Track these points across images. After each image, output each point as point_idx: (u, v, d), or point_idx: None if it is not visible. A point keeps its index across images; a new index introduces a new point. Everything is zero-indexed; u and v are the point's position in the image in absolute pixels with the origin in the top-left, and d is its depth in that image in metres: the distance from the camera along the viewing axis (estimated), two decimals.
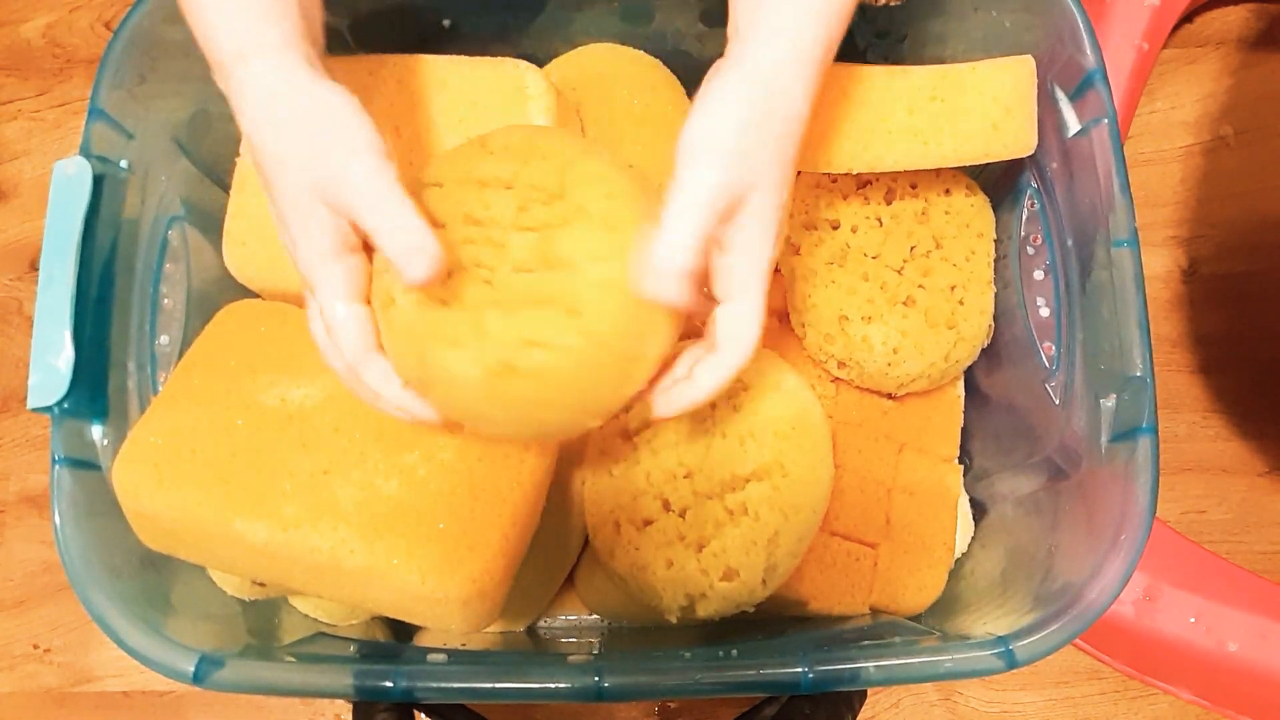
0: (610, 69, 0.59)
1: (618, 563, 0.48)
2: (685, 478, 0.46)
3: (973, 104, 0.47)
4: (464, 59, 0.50)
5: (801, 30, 0.37)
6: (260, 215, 0.49)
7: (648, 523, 0.47)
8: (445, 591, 0.39)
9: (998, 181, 0.54)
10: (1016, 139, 0.48)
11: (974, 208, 0.53)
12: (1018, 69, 0.48)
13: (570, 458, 0.50)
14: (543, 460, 0.44)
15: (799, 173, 0.55)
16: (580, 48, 0.59)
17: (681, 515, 0.46)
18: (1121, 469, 0.41)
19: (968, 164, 0.48)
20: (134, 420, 0.43)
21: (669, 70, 0.60)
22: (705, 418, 0.46)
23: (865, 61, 0.55)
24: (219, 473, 0.41)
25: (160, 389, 0.47)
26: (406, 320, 0.36)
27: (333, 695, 0.41)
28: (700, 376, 0.38)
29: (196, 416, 0.42)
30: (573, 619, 0.55)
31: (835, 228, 0.53)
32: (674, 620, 0.47)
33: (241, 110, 0.36)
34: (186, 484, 0.40)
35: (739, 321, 0.37)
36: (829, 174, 0.54)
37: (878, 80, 0.47)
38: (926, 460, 0.54)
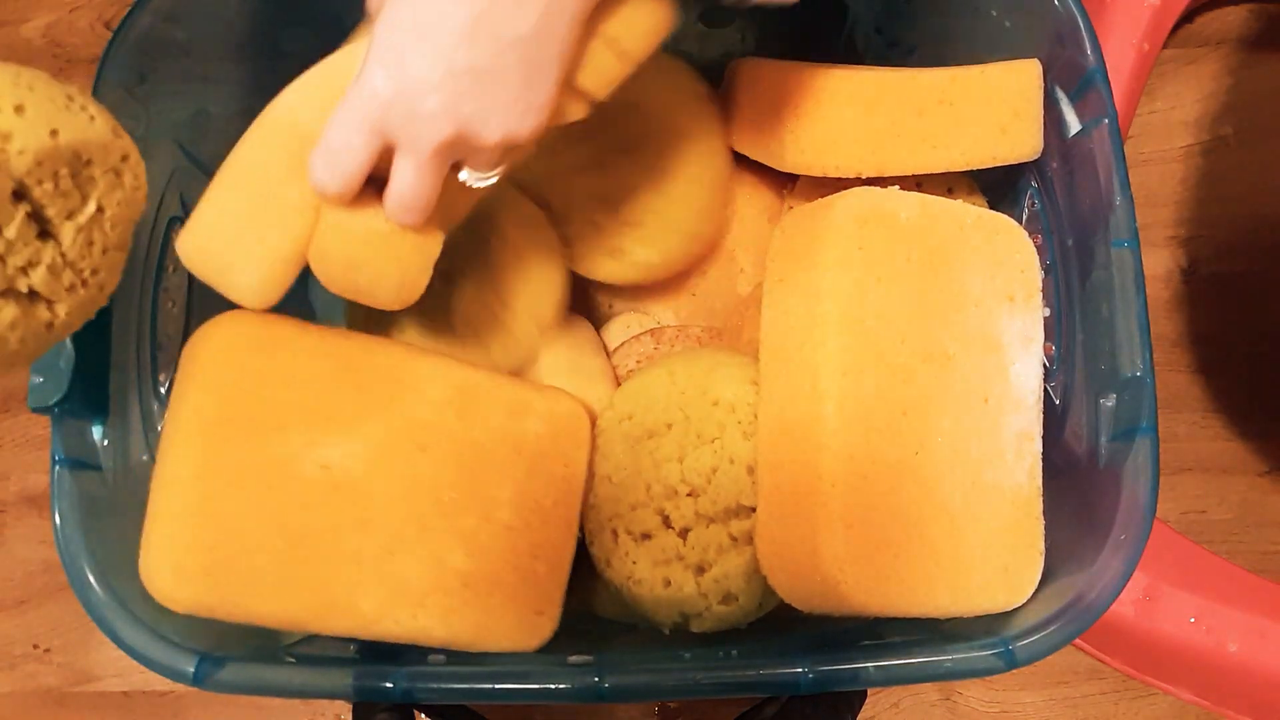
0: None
1: (614, 572, 0.47)
2: (688, 496, 0.46)
3: (981, 108, 0.47)
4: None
5: None
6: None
7: (646, 536, 0.46)
8: (520, 649, 0.43)
9: (998, 182, 0.54)
10: (1023, 143, 0.48)
11: None
12: (1025, 73, 0.48)
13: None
14: (578, 498, 0.47)
15: (799, 176, 0.56)
16: None
17: (682, 536, 0.46)
18: (1121, 469, 0.41)
19: (974, 168, 0.48)
20: (134, 420, 0.43)
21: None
22: (714, 438, 0.46)
23: (863, 63, 0.55)
24: (280, 573, 0.39)
25: (161, 392, 0.47)
26: None
27: (333, 696, 0.41)
28: None
29: (233, 502, 0.39)
30: (573, 620, 0.55)
31: None
32: (665, 632, 0.47)
33: None
34: (244, 591, 0.39)
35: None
36: (838, 178, 0.54)
37: (887, 83, 0.47)
38: None
